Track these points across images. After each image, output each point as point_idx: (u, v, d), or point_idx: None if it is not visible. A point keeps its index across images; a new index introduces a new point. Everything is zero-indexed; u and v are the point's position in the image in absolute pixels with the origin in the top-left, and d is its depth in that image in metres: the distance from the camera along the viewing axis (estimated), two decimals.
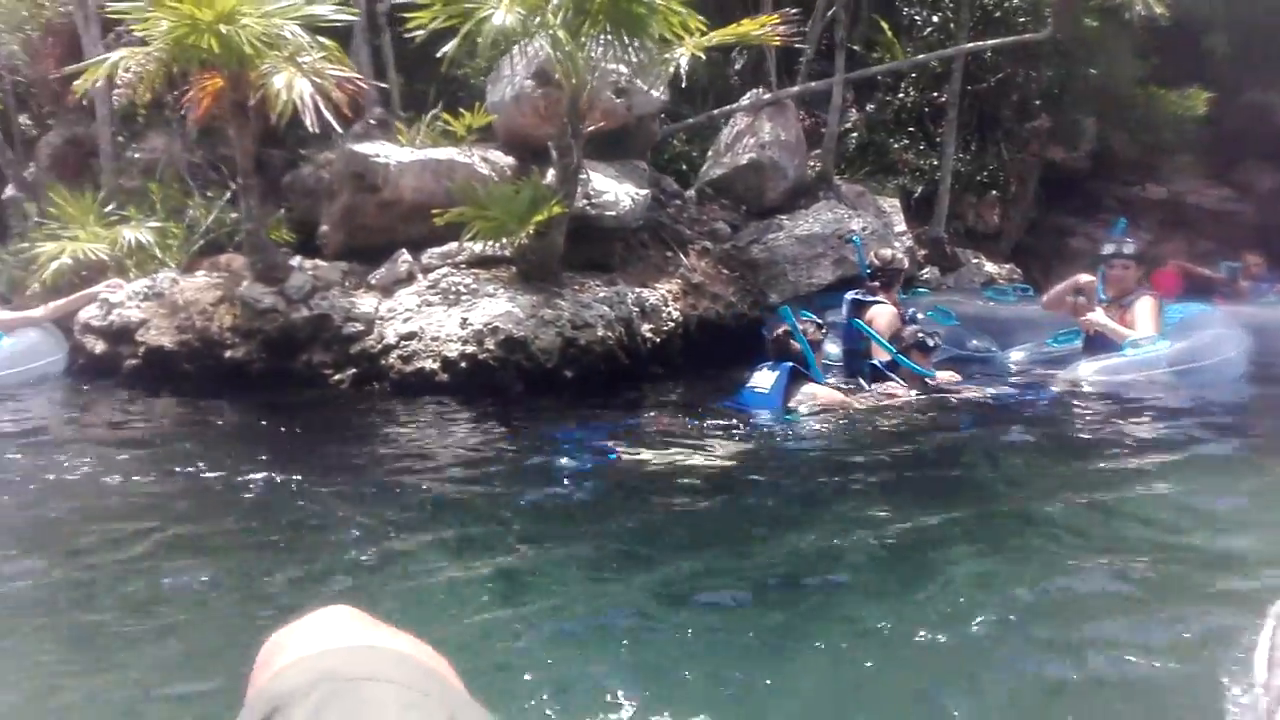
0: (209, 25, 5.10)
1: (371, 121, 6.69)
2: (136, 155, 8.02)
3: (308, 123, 5.16)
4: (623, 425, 4.90)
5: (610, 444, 4.18)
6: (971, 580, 2.51)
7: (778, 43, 5.63)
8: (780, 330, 4.91)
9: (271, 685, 0.78)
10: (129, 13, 5.30)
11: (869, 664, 2.06)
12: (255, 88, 5.31)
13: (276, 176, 8.05)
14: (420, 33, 5.50)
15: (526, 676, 1.99)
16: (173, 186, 7.04)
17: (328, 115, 5.25)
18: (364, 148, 6.08)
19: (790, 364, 4.69)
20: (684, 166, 8.91)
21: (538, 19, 5.45)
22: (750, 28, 5.41)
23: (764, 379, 4.71)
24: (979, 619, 2.20)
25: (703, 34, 5.64)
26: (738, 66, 9.71)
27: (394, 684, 0.77)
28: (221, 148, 8.28)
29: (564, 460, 3.93)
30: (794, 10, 6.27)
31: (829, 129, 7.94)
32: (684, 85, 5.71)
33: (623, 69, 6.59)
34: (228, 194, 6.98)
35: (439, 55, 5.60)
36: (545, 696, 1.90)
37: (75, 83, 5.49)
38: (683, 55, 5.36)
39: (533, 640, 2.19)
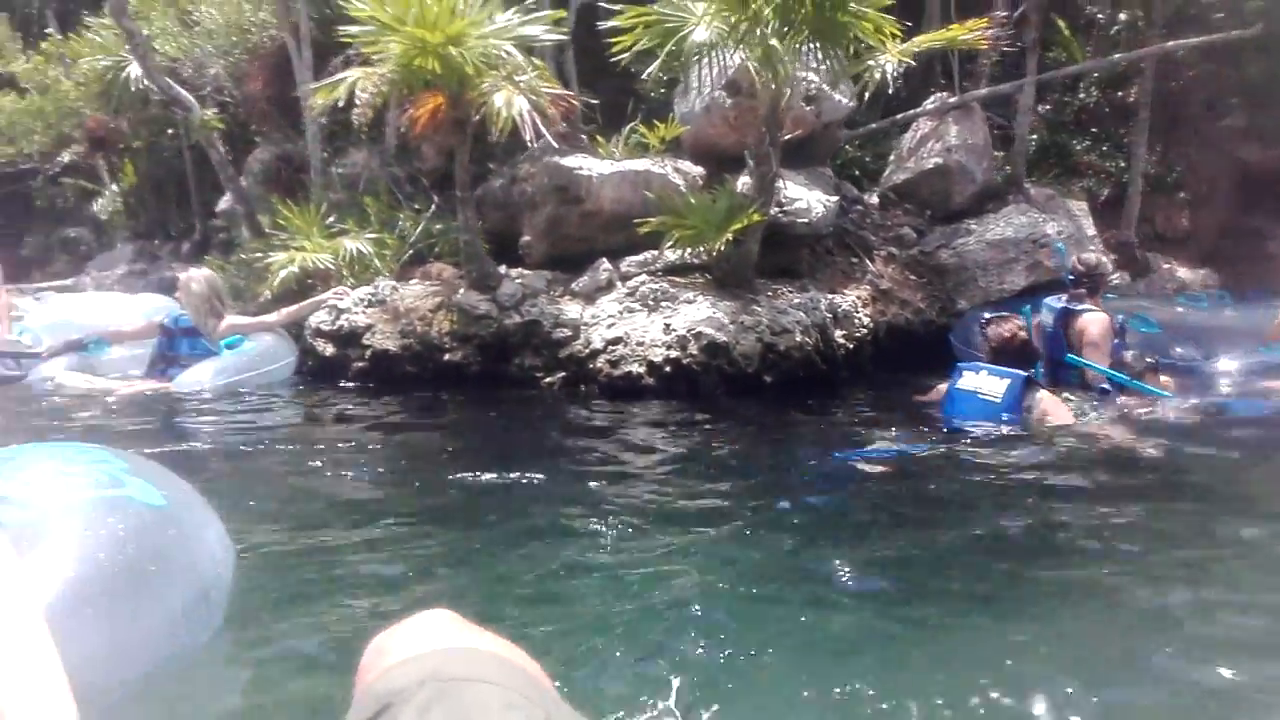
0: (435, 47, 5.43)
1: (582, 136, 6.96)
2: (339, 170, 8.57)
3: (527, 139, 5.43)
4: (841, 430, 4.94)
5: (844, 450, 4.17)
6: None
7: (985, 46, 5.57)
8: (1011, 328, 4.76)
9: (379, 684, 0.82)
10: (359, 37, 5.69)
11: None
12: (476, 105, 5.60)
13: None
14: (625, 56, 5.74)
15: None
16: (379, 200, 7.47)
17: (544, 131, 5.51)
18: (568, 161, 6.33)
19: (1023, 372, 4.48)
20: (856, 172, 8.89)
21: (743, 30, 5.57)
22: (959, 32, 5.37)
23: (991, 384, 4.43)
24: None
25: (899, 38, 5.66)
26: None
27: (495, 685, 0.82)
28: (416, 162, 8.78)
29: (799, 466, 3.98)
30: (1003, 14, 6.20)
31: (1018, 131, 7.78)
32: (895, 90, 5.67)
33: (812, 76, 6.67)
34: (432, 207, 7.37)
35: (618, 69, 5.78)
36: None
37: (313, 99, 5.92)
38: (888, 62, 5.36)
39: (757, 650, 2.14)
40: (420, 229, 7.09)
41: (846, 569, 2.67)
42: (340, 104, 5.59)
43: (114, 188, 13.17)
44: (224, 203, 9.06)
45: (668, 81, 7.84)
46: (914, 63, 5.55)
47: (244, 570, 2.27)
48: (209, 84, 9.76)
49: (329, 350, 6.14)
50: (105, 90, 10.46)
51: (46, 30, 13.85)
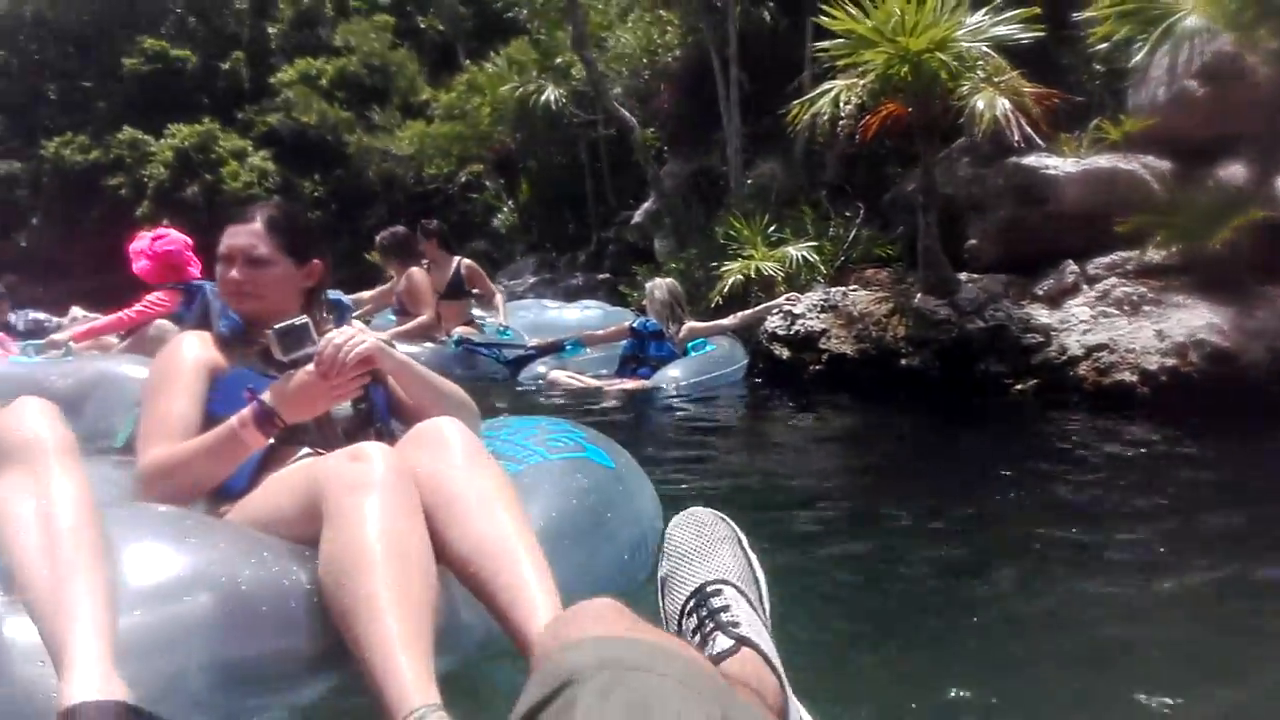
0: (916, 55, 5.47)
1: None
2: (749, 180, 8.90)
3: (1014, 139, 5.33)
4: None
5: None
6: None
7: None
8: None
9: (562, 660, 0.84)
10: (833, 49, 5.84)
11: None
12: (956, 109, 5.58)
13: (870, 195, 8.49)
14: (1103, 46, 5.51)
15: None
16: (815, 209, 7.67)
17: (1030, 131, 5.38)
18: (1030, 160, 6.14)
19: None
20: None
21: (1251, 14, 5.14)
22: None
23: None
24: None
25: None
26: None
27: (673, 679, 0.82)
28: (819, 173, 8.94)
29: None
30: None
31: None
32: None
33: None
34: (860, 214, 7.46)
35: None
36: None
37: (793, 114, 6.17)
38: None
39: None
40: (853, 235, 7.18)
41: None
42: (824, 116, 5.77)
43: (509, 204, 14.58)
44: (639, 215, 9.70)
45: (1105, 72, 7.43)
46: None
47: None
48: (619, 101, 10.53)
49: (784, 354, 6.35)
50: (522, 114, 11.60)
51: (464, 61, 15.57)
